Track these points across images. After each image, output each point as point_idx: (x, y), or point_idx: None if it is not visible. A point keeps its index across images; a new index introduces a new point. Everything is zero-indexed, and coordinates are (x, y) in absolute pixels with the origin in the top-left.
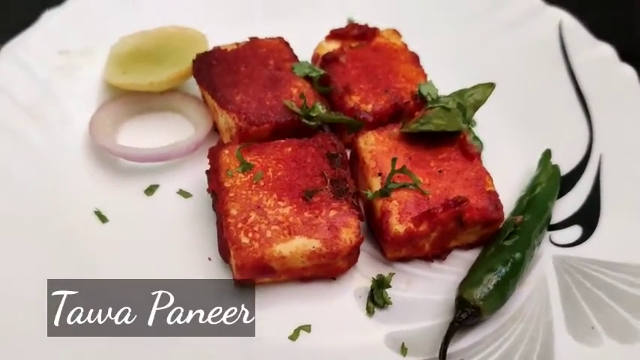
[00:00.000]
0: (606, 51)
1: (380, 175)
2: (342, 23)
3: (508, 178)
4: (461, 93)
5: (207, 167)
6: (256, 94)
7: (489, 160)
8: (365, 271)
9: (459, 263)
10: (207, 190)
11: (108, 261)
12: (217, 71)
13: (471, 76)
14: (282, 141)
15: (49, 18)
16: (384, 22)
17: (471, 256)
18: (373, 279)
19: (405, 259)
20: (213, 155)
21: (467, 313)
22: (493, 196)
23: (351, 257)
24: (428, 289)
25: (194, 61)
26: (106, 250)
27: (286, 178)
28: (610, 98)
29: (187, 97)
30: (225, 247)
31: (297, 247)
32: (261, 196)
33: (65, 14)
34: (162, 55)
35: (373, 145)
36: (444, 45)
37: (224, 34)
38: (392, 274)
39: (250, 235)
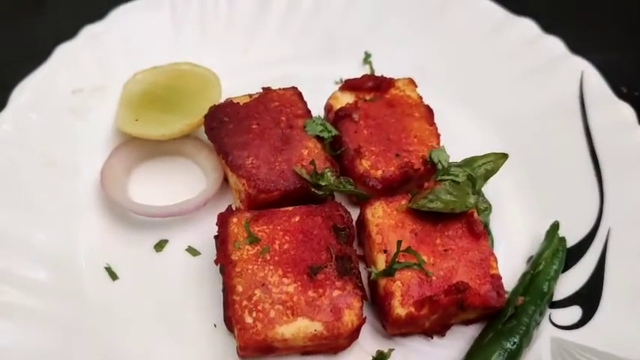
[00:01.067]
0: (626, 113)
1: (385, 252)
2: (359, 59)
3: (514, 239)
4: (472, 162)
5: (216, 220)
6: (267, 158)
7: (497, 222)
8: (365, 344)
9: (458, 337)
10: (215, 262)
11: (116, 319)
12: (229, 130)
13: (485, 125)
14: (290, 209)
15: (63, 54)
16: (402, 60)
17: (470, 330)
18: (372, 357)
19: (405, 335)
20: (222, 223)
21: None
22: (496, 281)
23: (352, 336)
24: None
25: (206, 116)
26: (114, 308)
27: (292, 251)
28: (625, 166)
29: (199, 144)
30: (229, 320)
31: (299, 328)
32: (266, 272)
33: (78, 50)
34: (174, 102)
35: (380, 218)
36: (460, 89)
37: (238, 70)
38: (391, 350)
39: (254, 315)
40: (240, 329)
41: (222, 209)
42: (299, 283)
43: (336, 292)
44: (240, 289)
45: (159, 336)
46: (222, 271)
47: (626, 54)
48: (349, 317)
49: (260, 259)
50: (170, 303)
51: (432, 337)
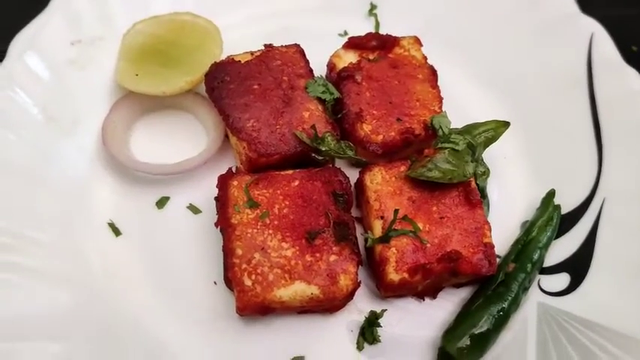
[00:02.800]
0: (633, 83)
1: (382, 218)
2: (364, 10)
3: (511, 204)
4: (472, 129)
5: (217, 176)
6: (268, 120)
7: (494, 186)
8: (360, 304)
9: (449, 299)
10: (215, 224)
11: (119, 274)
12: (230, 90)
13: (488, 87)
14: (290, 173)
15: (60, 4)
16: (408, 14)
17: (461, 293)
18: (365, 317)
19: (398, 296)
20: (222, 185)
21: None
22: (489, 249)
23: (347, 299)
24: (417, 325)
25: (207, 74)
26: (118, 263)
27: (291, 216)
28: (626, 137)
29: (199, 100)
30: (229, 280)
31: (296, 292)
32: (265, 236)
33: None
34: (174, 56)
35: (379, 184)
36: (465, 49)
37: (238, 22)
38: (384, 311)
39: (253, 277)
40: (239, 291)
41: (224, 168)
42: (297, 248)
43: (332, 257)
44: (239, 252)
45: (160, 292)
46: (222, 232)
47: (637, 7)
48: (345, 282)
49: (259, 224)
50: (171, 260)
51: (424, 299)
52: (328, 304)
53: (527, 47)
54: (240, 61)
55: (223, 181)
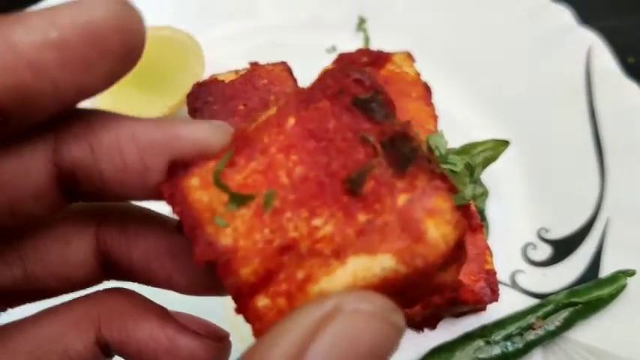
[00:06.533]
0: (634, 96)
1: None
2: (352, 25)
3: (510, 225)
4: (470, 148)
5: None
6: None
7: (492, 206)
8: None
9: (450, 328)
10: (196, 262)
11: None
12: (213, 111)
13: (483, 103)
14: (274, 111)
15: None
16: (399, 29)
17: (462, 322)
18: None
19: None
20: (174, 194)
21: None
22: (491, 277)
23: (456, 258)
24: (416, 358)
25: (188, 95)
26: None
27: (310, 173)
28: (628, 154)
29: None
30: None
31: (354, 273)
32: (284, 228)
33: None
34: (154, 77)
35: None
36: (458, 63)
37: (221, 37)
38: None
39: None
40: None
41: None
42: (340, 212)
43: (402, 198)
44: (251, 279)
45: None
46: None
47: (635, 17)
48: (438, 230)
49: (268, 217)
50: None
51: (423, 330)
52: (427, 281)
53: (524, 61)
54: (224, 80)
55: (175, 188)
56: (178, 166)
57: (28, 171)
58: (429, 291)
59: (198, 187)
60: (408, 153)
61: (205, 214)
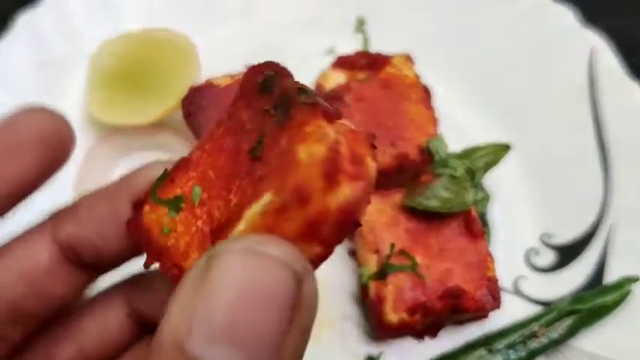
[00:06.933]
0: (638, 97)
1: (377, 252)
2: (351, 26)
3: (512, 230)
4: (471, 153)
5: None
6: None
7: (494, 211)
8: (354, 347)
9: (451, 336)
10: (163, 273)
11: None
12: (207, 117)
13: (484, 105)
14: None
15: (26, 24)
16: (398, 30)
17: (463, 330)
18: None
19: (395, 336)
20: (137, 226)
21: None
22: (492, 284)
23: (353, 178)
24: None
25: (184, 100)
26: None
27: (229, 159)
28: (632, 157)
29: (178, 137)
30: None
31: (245, 222)
32: (212, 213)
33: (43, 19)
34: (149, 80)
35: (373, 214)
36: (459, 65)
37: (216, 40)
38: (381, 354)
39: None
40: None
41: None
42: (246, 180)
43: (283, 141)
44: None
45: None
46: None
47: (638, 18)
48: (305, 150)
49: (199, 210)
50: None
51: (424, 339)
52: (312, 207)
53: (525, 63)
54: (219, 85)
55: (136, 221)
56: (138, 205)
57: (34, 251)
58: (320, 217)
59: (149, 211)
60: (284, 101)
61: (156, 230)
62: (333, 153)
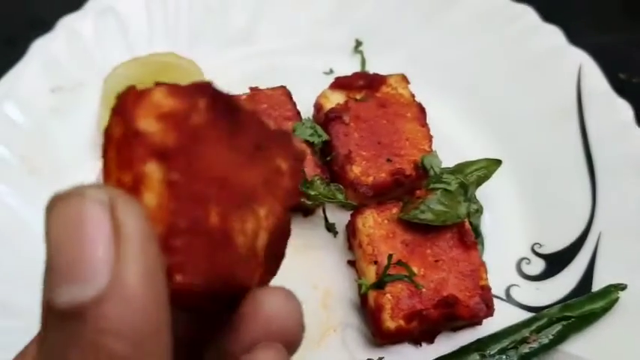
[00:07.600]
0: (624, 114)
1: (376, 263)
2: (349, 47)
3: (504, 240)
4: (464, 168)
5: None
6: None
7: (487, 223)
8: (355, 352)
9: (447, 342)
10: None
11: None
12: None
13: (476, 123)
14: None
15: (40, 49)
16: (393, 51)
17: (459, 335)
18: None
19: (394, 342)
20: None
21: None
22: (486, 293)
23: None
24: None
25: None
26: None
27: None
28: (619, 170)
29: None
30: None
31: None
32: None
33: (56, 44)
34: None
35: (371, 228)
36: (453, 85)
37: (221, 62)
38: (381, 359)
39: None
40: None
41: None
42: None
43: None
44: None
45: None
46: None
47: (623, 34)
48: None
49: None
50: None
51: (421, 345)
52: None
53: (516, 82)
54: None
55: None
56: None
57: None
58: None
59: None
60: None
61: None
62: None
